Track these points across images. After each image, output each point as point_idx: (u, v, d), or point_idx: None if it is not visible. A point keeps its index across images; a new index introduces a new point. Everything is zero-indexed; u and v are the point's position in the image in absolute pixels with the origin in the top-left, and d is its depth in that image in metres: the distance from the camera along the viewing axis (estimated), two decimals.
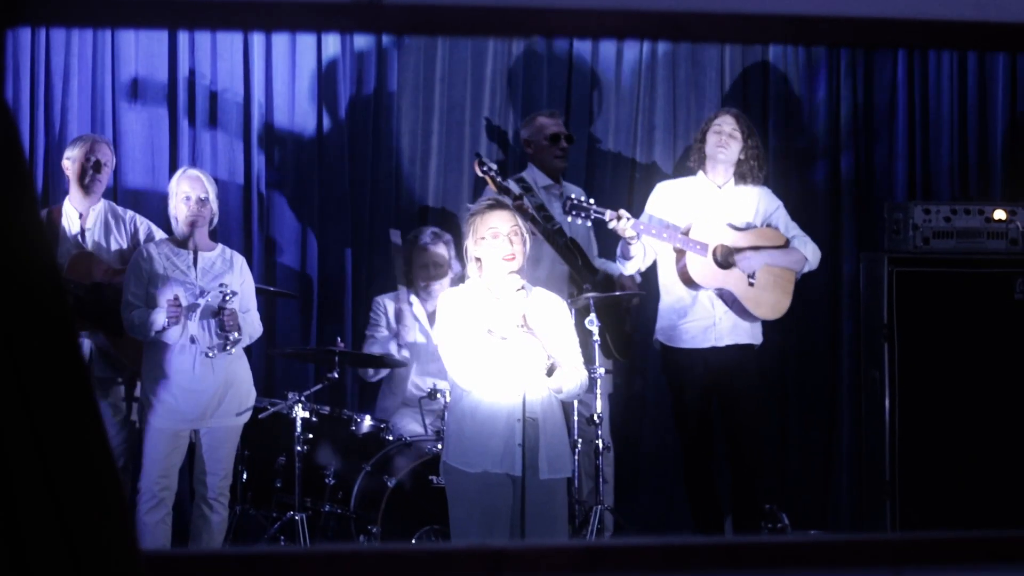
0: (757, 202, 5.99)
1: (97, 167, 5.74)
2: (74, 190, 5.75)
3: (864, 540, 2.90)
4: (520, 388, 4.51)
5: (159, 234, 5.84)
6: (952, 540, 2.79)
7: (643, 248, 5.78)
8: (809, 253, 5.96)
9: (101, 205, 5.81)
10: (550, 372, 4.57)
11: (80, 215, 5.75)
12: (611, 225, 5.61)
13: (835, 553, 2.77)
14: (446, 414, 4.88)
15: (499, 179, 5.81)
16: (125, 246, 5.80)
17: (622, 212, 5.62)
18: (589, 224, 5.74)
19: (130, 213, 5.91)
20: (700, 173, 5.98)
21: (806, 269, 5.99)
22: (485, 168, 5.81)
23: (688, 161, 6.10)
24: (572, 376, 4.64)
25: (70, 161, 5.75)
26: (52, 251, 1.70)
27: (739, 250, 5.82)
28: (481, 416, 4.59)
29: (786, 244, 5.94)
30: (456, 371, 4.64)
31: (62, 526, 1.58)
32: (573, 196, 5.67)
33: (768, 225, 5.96)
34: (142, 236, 5.83)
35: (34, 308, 1.59)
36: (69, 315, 1.63)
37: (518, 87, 6.77)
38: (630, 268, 5.91)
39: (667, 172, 6.68)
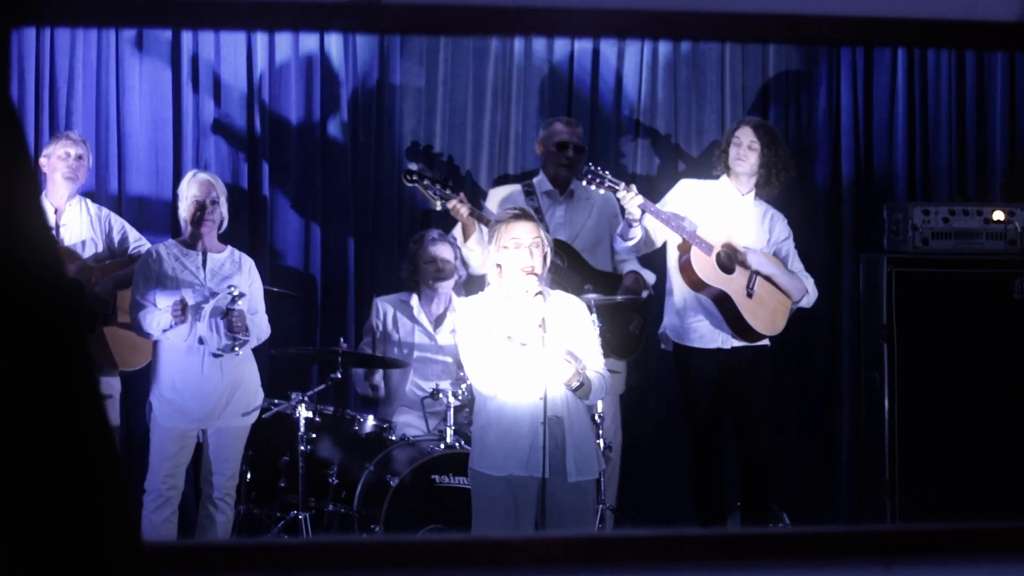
0: (772, 224, 5.99)
1: (76, 163, 5.75)
2: (51, 186, 5.77)
3: (856, 532, 2.92)
4: (542, 391, 4.53)
5: (133, 233, 5.91)
6: (942, 532, 2.82)
7: (643, 232, 5.79)
8: (810, 287, 5.96)
9: (77, 201, 5.85)
10: (578, 388, 4.62)
11: (56, 210, 5.78)
12: (619, 195, 5.64)
13: (829, 544, 2.80)
14: (473, 419, 4.90)
15: (427, 183, 5.84)
16: (100, 243, 5.84)
17: (632, 187, 5.65)
18: (602, 191, 5.71)
19: (105, 211, 5.94)
20: (724, 178, 5.99)
21: (804, 303, 5.95)
22: (413, 178, 5.86)
23: (713, 170, 6.07)
24: (598, 385, 4.70)
25: (46, 158, 5.77)
26: (57, 248, 1.73)
27: (745, 251, 5.83)
28: (506, 421, 4.61)
29: None
30: (478, 378, 4.67)
31: (67, 517, 1.60)
32: (591, 164, 5.68)
33: (775, 254, 5.97)
34: (116, 234, 5.87)
35: (40, 305, 1.62)
36: (74, 312, 1.66)
37: (520, 91, 6.81)
38: (626, 247, 5.92)
39: (667, 177, 6.68)
